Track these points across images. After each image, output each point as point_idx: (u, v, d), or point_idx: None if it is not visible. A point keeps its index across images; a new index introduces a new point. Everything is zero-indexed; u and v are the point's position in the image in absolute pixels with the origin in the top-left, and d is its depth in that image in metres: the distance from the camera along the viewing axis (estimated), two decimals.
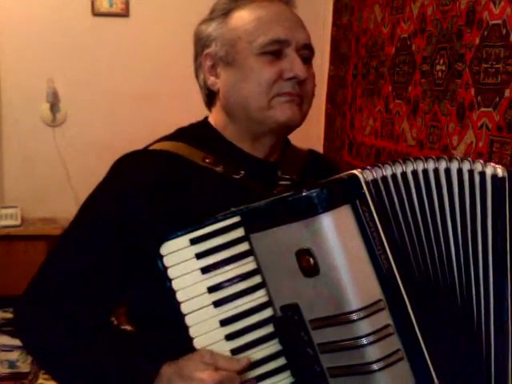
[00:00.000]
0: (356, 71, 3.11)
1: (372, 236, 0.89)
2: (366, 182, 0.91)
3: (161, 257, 0.94)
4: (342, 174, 0.93)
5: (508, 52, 1.92)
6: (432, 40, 2.38)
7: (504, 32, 1.94)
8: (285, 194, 0.91)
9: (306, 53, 1.11)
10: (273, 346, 0.94)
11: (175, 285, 0.94)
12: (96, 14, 3.30)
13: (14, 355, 2.54)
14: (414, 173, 0.95)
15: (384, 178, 0.93)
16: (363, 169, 0.93)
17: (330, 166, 1.31)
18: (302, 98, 1.10)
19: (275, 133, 1.12)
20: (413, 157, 0.97)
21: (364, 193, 0.90)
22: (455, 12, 2.22)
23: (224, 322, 0.93)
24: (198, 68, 1.16)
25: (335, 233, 0.87)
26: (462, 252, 0.95)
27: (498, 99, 1.96)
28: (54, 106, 3.29)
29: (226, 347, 0.93)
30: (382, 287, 0.88)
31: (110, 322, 1.05)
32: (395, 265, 0.90)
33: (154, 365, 0.94)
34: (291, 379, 0.94)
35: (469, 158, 0.98)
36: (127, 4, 3.32)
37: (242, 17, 1.10)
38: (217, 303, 0.94)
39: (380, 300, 0.88)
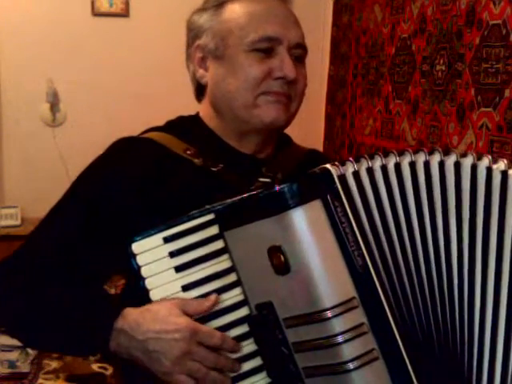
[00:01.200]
0: (356, 71, 3.11)
1: (344, 232, 0.86)
2: (340, 176, 0.88)
3: (134, 255, 0.92)
4: (314, 169, 0.90)
5: (508, 52, 1.92)
6: (432, 40, 2.38)
7: (504, 32, 1.94)
8: (258, 191, 0.90)
9: (298, 52, 1.09)
10: (249, 346, 0.92)
11: (148, 284, 0.92)
12: (96, 13, 3.30)
13: (13, 355, 2.54)
14: (393, 166, 0.92)
15: (356, 173, 0.90)
16: (341, 162, 0.90)
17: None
18: (289, 97, 1.09)
19: (260, 132, 1.11)
20: (389, 150, 0.95)
21: (336, 187, 0.87)
22: (455, 12, 2.22)
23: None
24: (188, 58, 1.15)
25: (305, 228, 0.85)
26: (441, 248, 0.92)
27: (497, 99, 1.96)
28: (54, 106, 3.29)
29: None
30: (355, 284, 0.86)
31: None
32: (370, 261, 0.87)
33: (116, 307, 0.93)
34: (267, 379, 0.92)
35: (439, 149, 0.94)
36: (127, 4, 3.32)
37: (235, 10, 1.09)
38: None
39: (353, 298, 0.86)
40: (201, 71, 1.13)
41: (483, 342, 0.92)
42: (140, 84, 3.32)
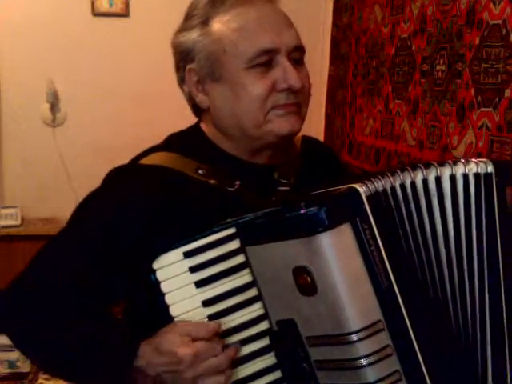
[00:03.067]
0: (356, 71, 3.11)
1: (372, 255, 0.85)
2: (367, 197, 0.86)
3: (154, 271, 0.92)
4: (341, 188, 0.88)
5: (508, 52, 1.92)
6: (432, 40, 2.38)
7: (504, 32, 1.94)
8: (283, 209, 0.87)
9: (297, 54, 1.05)
10: (269, 359, 0.92)
11: (168, 299, 0.92)
12: (96, 13, 3.29)
13: (13, 355, 2.54)
14: (413, 184, 0.91)
15: (384, 191, 0.89)
16: (363, 180, 0.88)
17: (324, 151, 1.28)
18: (299, 105, 1.05)
19: (276, 145, 1.07)
20: (407, 165, 0.93)
21: (365, 209, 0.86)
22: (455, 12, 2.21)
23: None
24: (180, 81, 1.10)
25: (334, 252, 0.84)
26: (462, 267, 0.92)
27: (497, 99, 1.96)
28: (54, 105, 3.29)
29: None
30: (381, 307, 0.85)
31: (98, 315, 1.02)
32: (396, 283, 0.86)
33: (133, 344, 0.92)
34: None
35: (450, 161, 0.94)
36: (127, 4, 3.32)
37: (224, 26, 1.02)
38: (212, 317, 0.92)
39: (379, 320, 0.85)
40: (200, 96, 1.07)
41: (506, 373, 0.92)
42: (140, 84, 3.32)
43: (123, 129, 3.23)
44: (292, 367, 0.91)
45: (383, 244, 0.86)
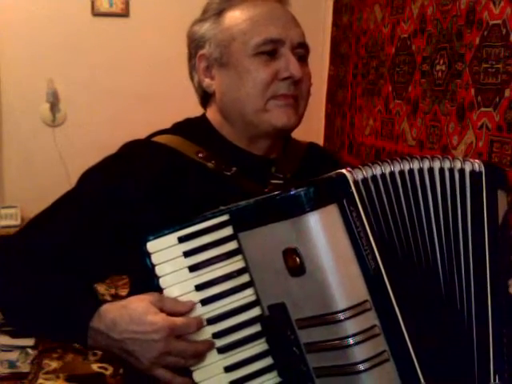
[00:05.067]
0: (356, 71, 3.11)
1: (359, 236, 0.87)
2: (355, 182, 0.90)
3: (148, 254, 0.93)
4: (330, 173, 0.92)
5: (508, 52, 1.92)
6: (432, 40, 2.38)
7: (504, 32, 1.94)
8: (273, 193, 0.91)
9: (301, 51, 1.10)
10: (260, 345, 0.93)
11: (163, 282, 0.93)
12: (96, 14, 3.30)
13: (13, 355, 2.54)
14: (401, 173, 0.94)
15: (373, 178, 0.92)
16: (353, 168, 0.92)
17: (329, 159, 1.30)
18: (297, 98, 1.09)
19: (271, 136, 1.11)
20: (400, 156, 0.96)
21: (352, 192, 0.89)
22: (455, 12, 2.22)
23: (211, 321, 0.93)
24: (192, 69, 1.16)
25: (321, 232, 0.86)
26: (447, 252, 0.94)
27: (498, 99, 1.96)
28: (54, 106, 3.29)
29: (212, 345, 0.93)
30: (368, 287, 0.87)
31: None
32: (382, 265, 0.89)
33: (92, 305, 0.94)
34: (278, 379, 0.93)
35: (448, 156, 0.97)
36: (127, 4, 3.32)
37: (235, 16, 1.09)
38: (204, 301, 0.93)
39: (366, 300, 0.87)
40: (207, 80, 1.13)
41: (489, 343, 0.93)
42: (140, 84, 3.32)
43: (123, 129, 3.22)
44: (283, 352, 0.91)
45: (370, 227, 0.89)
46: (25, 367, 2.50)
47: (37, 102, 3.27)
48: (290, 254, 0.88)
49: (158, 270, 0.93)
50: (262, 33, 1.07)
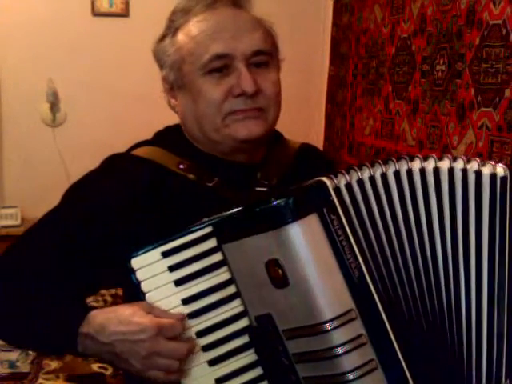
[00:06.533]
0: (356, 71, 3.11)
1: (341, 244, 0.86)
2: (336, 188, 0.88)
3: (134, 271, 0.92)
4: (310, 181, 0.90)
5: (508, 52, 1.92)
6: (432, 40, 2.38)
7: (504, 32, 1.94)
8: (254, 204, 0.89)
9: (260, 59, 1.06)
10: (250, 356, 0.93)
11: (149, 298, 0.92)
12: (96, 14, 3.30)
13: (13, 355, 2.54)
14: (383, 176, 0.92)
15: (360, 181, 0.90)
16: (335, 174, 0.90)
17: (323, 161, 1.28)
18: (260, 109, 1.06)
19: (240, 148, 1.09)
20: (397, 156, 0.94)
21: (332, 200, 0.87)
22: (455, 12, 2.22)
23: (200, 334, 0.92)
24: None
25: (303, 243, 0.86)
26: (441, 258, 0.92)
27: (498, 99, 1.96)
28: (54, 105, 3.29)
29: (202, 358, 0.93)
30: (352, 296, 0.86)
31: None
32: (367, 272, 0.87)
33: (81, 311, 0.94)
34: None
35: (433, 155, 0.94)
36: (127, 4, 3.32)
37: (186, 35, 1.07)
38: (192, 315, 0.92)
39: (351, 310, 0.86)
40: (173, 101, 1.14)
41: (481, 348, 0.92)
42: (140, 84, 3.32)
43: (123, 129, 3.23)
44: (272, 362, 0.91)
45: (353, 234, 0.88)
46: (25, 367, 2.50)
47: (37, 102, 3.27)
48: (273, 265, 0.87)
49: (144, 286, 0.92)
50: (208, 50, 1.03)
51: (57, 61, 3.26)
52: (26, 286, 1.00)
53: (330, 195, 0.88)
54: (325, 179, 0.89)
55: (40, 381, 2.41)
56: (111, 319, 0.91)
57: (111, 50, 3.32)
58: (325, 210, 0.86)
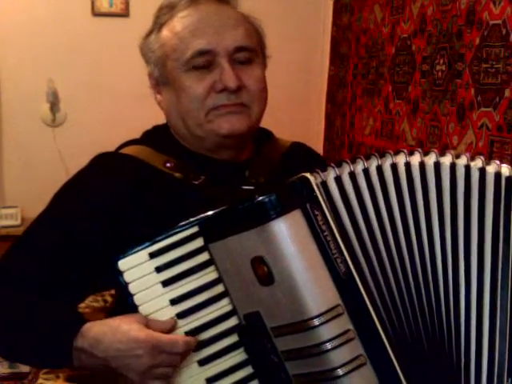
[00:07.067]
0: (356, 71, 3.11)
1: (326, 240, 0.86)
2: (322, 183, 0.88)
3: (121, 272, 0.92)
4: (293, 178, 0.90)
5: (508, 52, 1.92)
6: (432, 40, 2.38)
7: (504, 32, 1.94)
8: (238, 202, 0.89)
9: (243, 55, 1.06)
10: (240, 355, 0.93)
11: (137, 300, 0.92)
12: (96, 14, 3.29)
13: None
14: (379, 168, 0.92)
15: (351, 174, 0.90)
16: (324, 168, 0.90)
17: (315, 159, 1.27)
18: (242, 105, 1.06)
19: (224, 144, 1.09)
20: (371, 153, 0.94)
21: (315, 195, 0.87)
22: (455, 12, 2.21)
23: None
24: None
25: (286, 239, 0.85)
26: (425, 248, 0.92)
27: (498, 99, 1.96)
28: (54, 106, 3.29)
29: (192, 358, 0.92)
30: (339, 292, 0.86)
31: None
32: (354, 267, 0.87)
33: (75, 324, 0.93)
34: None
35: (419, 150, 0.95)
36: (127, 4, 3.32)
37: (169, 31, 1.07)
38: (180, 315, 0.92)
39: (338, 305, 0.86)
40: (158, 96, 1.14)
41: (470, 342, 0.92)
42: (140, 84, 3.29)
43: (123, 129, 3.21)
44: (261, 360, 0.91)
45: (338, 229, 0.87)
46: (25, 367, 2.49)
47: (37, 101, 3.27)
48: (258, 262, 0.87)
49: (132, 288, 0.92)
50: (191, 46, 1.03)
51: (57, 61, 3.26)
52: (19, 297, 0.99)
53: (314, 191, 0.87)
54: (308, 175, 0.89)
55: (40, 381, 2.41)
56: (106, 333, 0.90)
57: (111, 50, 3.32)
58: (308, 206, 0.86)
